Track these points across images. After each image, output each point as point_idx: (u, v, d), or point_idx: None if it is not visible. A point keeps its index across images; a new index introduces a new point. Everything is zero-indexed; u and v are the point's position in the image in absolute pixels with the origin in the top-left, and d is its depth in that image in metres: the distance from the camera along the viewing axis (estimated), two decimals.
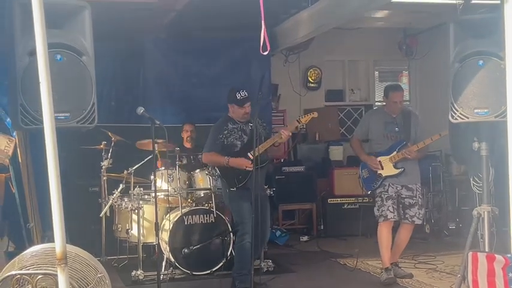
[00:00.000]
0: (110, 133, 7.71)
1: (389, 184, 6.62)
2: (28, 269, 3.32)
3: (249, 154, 6.18)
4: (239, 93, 6.32)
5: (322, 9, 7.86)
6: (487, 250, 4.25)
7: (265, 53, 3.88)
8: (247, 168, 6.12)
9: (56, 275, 2.88)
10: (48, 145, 2.75)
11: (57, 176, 2.74)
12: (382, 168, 6.64)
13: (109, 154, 7.73)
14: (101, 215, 7.64)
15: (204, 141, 6.65)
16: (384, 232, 6.61)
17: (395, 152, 6.61)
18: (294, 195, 9.60)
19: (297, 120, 6.57)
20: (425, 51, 10.77)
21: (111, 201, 7.50)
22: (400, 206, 6.63)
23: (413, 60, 11.33)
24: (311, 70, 10.94)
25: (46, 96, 2.75)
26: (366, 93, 11.56)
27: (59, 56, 3.79)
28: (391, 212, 6.54)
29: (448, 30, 4.42)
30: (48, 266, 3.27)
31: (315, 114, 6.56)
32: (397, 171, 6.60)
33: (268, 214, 6.58)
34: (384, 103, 7.05)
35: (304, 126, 9.73)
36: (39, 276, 3.28)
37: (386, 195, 6.59)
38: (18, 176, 6.41)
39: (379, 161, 6.66)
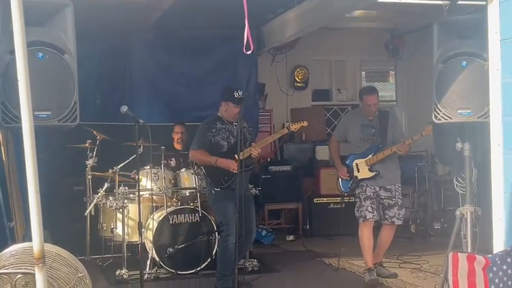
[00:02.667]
0: (95, 132, 7.69)
1: (366, 185, 6.65)
2: (7, 268, 3.29)
3: (235, 156, 6.16)
4: (237, 92, 6.32)
5: (309, 9, 7.86)
6: (469, 250, 4.26)
7: (249, 52, 3.86)
8: (234, 170, 6.10)
9: (34, 274, 2.85)
10: (26, 144, 2.73)
11: (35, 175, 2.72)
12: (358, 171, 6.67)
13: (94, 153, 7.71)
14: (85, 214, 7.62)
15: (192, 140, 6.63)
16: (364, 233, 6.63)
17: (371, 155, 6.64)
18: (280, 195, 9.59)
19: (287, 128, 6.58)
20: (412, 51, 10.78)
21: (96, 200, 7.48)
22: (380, 206, 6.66)
23: (400, 61, 11.35)
24: (298, 70, 10.93)
25: (24, 94, 2.73)
26: (353, 93, 11.54)
27: (40, 54, 3.77)
28: (370, 212, 6.56)
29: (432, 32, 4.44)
30: (27, 266, 3.23)
31: (305, 124, 6.57)
32: (372, 174, 6.63)
33: (253, 214, 6.58)
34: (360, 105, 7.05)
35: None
36: (19, 276, 3.24)
37: (364, 196, 6.62)
38: (1, 174, 6.36)
39: (355, 164, 6.68)
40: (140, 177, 6.57)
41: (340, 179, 6.87)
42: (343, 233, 7.78)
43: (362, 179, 6.65)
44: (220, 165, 6.25)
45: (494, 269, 3.04)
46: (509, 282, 3.08)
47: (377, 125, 6.73)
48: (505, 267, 3.07)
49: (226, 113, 6.37)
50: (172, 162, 7.71)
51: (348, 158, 6.83)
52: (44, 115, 3.73)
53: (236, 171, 5.98)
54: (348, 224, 7.46)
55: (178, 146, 8.15)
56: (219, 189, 6.28)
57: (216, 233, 6.94)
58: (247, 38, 3.90)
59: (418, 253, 7.92)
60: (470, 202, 4.44)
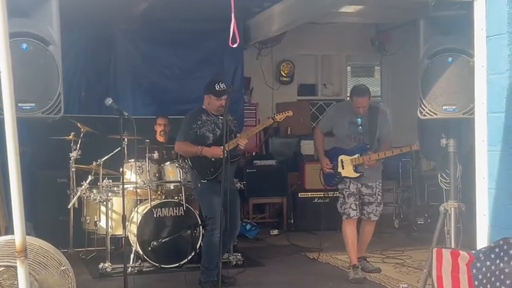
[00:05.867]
0: (79, 124, 7.63)
1: (350, 181, 6.62)
2: None
3: (221, 147, 6.14)
4: (218, 84, 6.28)
5: (296, 3, 7.85)
6: (453, 246, 4.29)
7: (235, 45, 3.85)
8: (220, 157, 6.07)
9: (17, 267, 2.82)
10: (8, 136, 2.70)
11: (17, 167, 2.69)
12: (343, 168, 6.65)
13: (78, 145, 7.65)
14: (69, 207, 7.57)
15: (177, 133, 6.60)
16: (348, 230, 6.63)
17: (357, 155, 6.56)
18: (265, 189, 9.59)
19: (272, 118, 6.55)
20: (398, 47, 10.81)
21: (79, 192, 7.43)
22: (360, 202, 6.65)
23: (385, 56, 11.37)
24: (284, 64, 10.93)
25: (7, 85, 2.69)
26: (338, 88, 11.58)
27: (24, 45, 3.73)
28: (353, 209, 6.56)
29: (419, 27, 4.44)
30: (10, 258, 3.21)
31: (290, 113, 6.53)
32: (356, 175, 6.58)
33: (238, 208, 6.57)
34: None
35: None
36: (0, 269, 3.21)
37: (348, 192, 6.60)
38: None
39: (341, 160, 6.64)
40: (124, 170, 6.54)
41: (322, 173, 6.83)
42: (327, 228, 7.78)
43: (345, 176, 6.63)
44: (205, 153, 6.22)
45: (478, 264, 3.06)
46: (493, 278, 3.10)
47: (365, 124, 6.62)
48: (488, 263, 3.09)
49: (209, 105, 6.35)
50: (155, 155, 7.69)
51: (333, 150, 6.76)
52: (28, 107, 3.69)
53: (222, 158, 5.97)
54: (332, 218, 7.46)
55: (161, 138, 8.11)
56: (205, 181, 6.25)
57: (201, 226, 6.93)
58: (233, 31, 3.89)
59: (401, 248, 7.95)
60: (454, 198, 4.47)
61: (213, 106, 6.31)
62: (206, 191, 6.27)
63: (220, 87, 6.26)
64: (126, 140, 6.87)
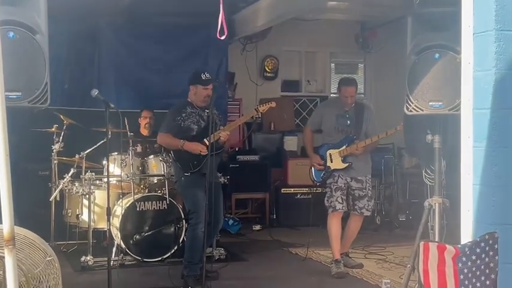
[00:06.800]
0: (62, 116, 7.58)
1: (338, 175, 6.66)
2: None
3: (205, 140, 6.14)
4: (204, 74, 6.32)
5: None
6: (437, 241, 4.31)
7: (223, 38, 3.84)
8: (202, 153, 6.09)
9: (3, 257, 2.79)
10: None
11: (6, 156, 2.66)
12: (332, 161, 6.68)
13: (61, 137, 7.61)
14: (50, 199, 7.52)
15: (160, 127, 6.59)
16: (333, 223, 6.65)
17: (344, 147, 6.63)
18: (248, 184, 9.60)
19: (255, 109, 6.58)
20: (382, 45, 10.87)
21: (61, 185, 7.39)
22: (350, 197, 6.69)
23: (369, 54, 11.42)
24: (268, 60, 10.93)
25: None
26: (322, 84, 11.60)
27: (11, 34, 3.68)
28: (339, 203, 6.59)
29: (406, 24, 4.45)
30: None
31: (273, 104, 6.57)
32: (344, 165, 6.63)
33: (221, 202, 6.56)
34: (337, 95, 7.07)
35: (260, 116, 9.70)
36: None
37: (335, 186, 6.63)
38: None
39: (329, 154, 6.68)
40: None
41: (313, 168, 6.86)
42: (310, 224, 7.82)
43: (334, 170, 6.66)
44: (187, 148, 6.21)
45: (464, 259, 3.07)
46: (478, 272, 3.12)
47: (352, 117, 6.73)
48: (474, 257, 3.11)
49: (196, 96, 6.32)
50: (139, 148, 7.66)
51: (321, 147, 6.82)
52: (14, 96, 3.65)
53: (204, 153, 5.95)
54: (315, 214, 7.48)
55: (145, 132, 8.09)
56: (188, 173, 6.23)
57: (184, 220, 6.92)
58: (222, 23, 3.88)
59: (383, 244, 8.01)
60: (439, 194, 4.49)
61: (199, 96, 6.29)
62: (189, 184, 6.25)
63: (206, 76, 6.29)
64: (110, 132, 6.82)
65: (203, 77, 6.27)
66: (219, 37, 3.93)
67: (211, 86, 6.26)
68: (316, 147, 6.92)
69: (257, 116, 7.69)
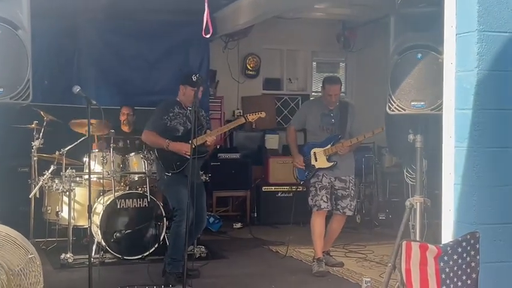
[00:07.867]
0: (42, 112, 7.51)
1: (323, 174, 6.65)
2: None
3: (190, 142, 6.12)
4: (195, 75, 6.33)
5: None
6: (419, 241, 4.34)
7: (208, 36, 3.84)
8: (186, 154, 6.07)
9: None
10: None
11: None
12: (316, 160, 6.69)
13: (41, 134, 7.54)
14: (30, 196, 7.45)
15: (143, 125, 6.55)
16: (317, 221, 6.66)
17: (329, 145, 6.63)
18: (229, 182, 9.59)
19: (244, 118, 6.59)
20: (363, 44, 10.92)
21: (41, 182, 7.32)
22: (333, 196, 6.70)
23: (350, 53, 11.46)
24: (250, 58, 10.93)
25: None
26: (304, 83, 11.63)
27: None
28: (324, 202, 6.59)
29: (388, 24, 4.48)
30: None
31: (263, 114, 6.61)
32: (329, 164, 6.63)
33: (204, 201, 6.55)
34: (321, 94, 7.09)
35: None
36: None
37: (320, 185, 6.63)
38: None
39: (314, 152, 6.68)
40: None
41: (296, 167, 6.85)
42: (291, 222, 7.82)
43: (319, 168, 6.66)
44: (172, 148, 6.20)
45: (445, 258, 3.10)
46: (459, 272, 3.15)
47: (337, 116, 6.73)
48: (455, 256, 3.14)
49: (184, 96, 6.33)
50: (120, 144, 7.62)
51: (306, 146, 6.82)
52: None
53: (188, 156, 5.94)
54: (296, 213, 7.47)
55: (125, 128, 8.07)
56: (170, 174, 6.22)
57: (165, 218, 6.90)
58: (207, 21, 3.87)
59: (364, 243, 8.04)
60: (420, 193, 4.52)
61: (188, 97, 6.29)
62: (173, 182, 6.24)
63: (197, 78, 6.29)
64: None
65: (194, 78, 6.29)
66: (204, 35, 3.92)
67: (202, 88, 6.26)
68: (301, 146, 6.92)
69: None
